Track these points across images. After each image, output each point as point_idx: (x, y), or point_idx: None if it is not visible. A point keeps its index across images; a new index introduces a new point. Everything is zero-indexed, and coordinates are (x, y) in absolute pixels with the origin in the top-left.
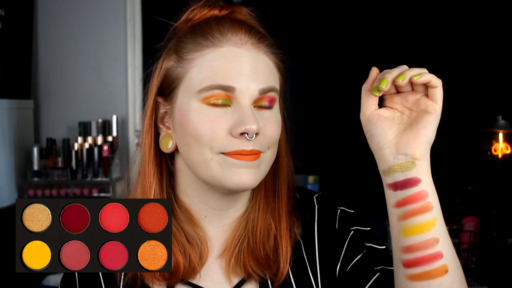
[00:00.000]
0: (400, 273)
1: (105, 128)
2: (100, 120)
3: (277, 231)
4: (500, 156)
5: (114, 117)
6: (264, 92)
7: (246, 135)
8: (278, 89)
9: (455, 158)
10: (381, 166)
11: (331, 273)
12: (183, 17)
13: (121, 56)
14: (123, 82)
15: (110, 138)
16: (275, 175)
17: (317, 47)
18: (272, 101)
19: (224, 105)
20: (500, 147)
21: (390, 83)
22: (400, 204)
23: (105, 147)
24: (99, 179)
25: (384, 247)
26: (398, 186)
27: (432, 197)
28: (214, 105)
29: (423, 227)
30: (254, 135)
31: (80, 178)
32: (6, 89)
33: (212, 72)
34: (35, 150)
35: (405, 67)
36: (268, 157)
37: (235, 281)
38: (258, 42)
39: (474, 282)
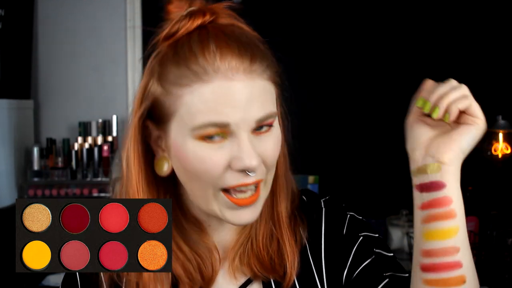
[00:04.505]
0: (417, 276)
1: (105, 128)
2: (100, 120)
3: (278, 232)
4: (500, 156)
5: (114, 117)
6: (261, 121)
7: (247, 171)
8: (275, 108)
9: None
10: (411, 167)
11: (338, 278)
12: (165, 32)
13: (121, 56)
14: (123, 82)
15: (110, 138)
16: (273, 179)
17: (318, 48)
18: (270, 124)
19: (219, 139)
20: (500, 147)
21: (441, 114)
22: (425, 206)
23: (105, 147)
24: (99, 179)
25: (392, 254)
26: (424, 188)
27: (456, 205)
28: (210, 141)
29: (444, 233)
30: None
31: (80, 178)
32: (6, 89)
33: (204, 108)
34: (35, 150)
35: (451, 94)
36: (267, 181)
37: (242, 280)
38: (251, 64)
39: None
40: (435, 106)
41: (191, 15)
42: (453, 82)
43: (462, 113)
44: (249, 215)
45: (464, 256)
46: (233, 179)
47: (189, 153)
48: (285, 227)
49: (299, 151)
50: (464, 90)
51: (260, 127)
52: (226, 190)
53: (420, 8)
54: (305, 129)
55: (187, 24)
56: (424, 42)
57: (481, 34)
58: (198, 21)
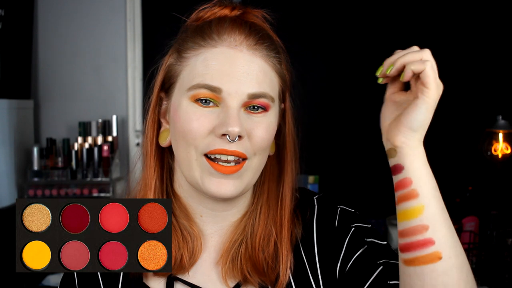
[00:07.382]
0: (400, 258)
1: (105, 128)
2: (100, 120)
3: (278, 238)
4: (500, 156)
5: (114, 117)
6: (254, 97)
7: (227, 137)
8: (274, 95)
9: (455, 158)
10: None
11: (332, 272)
12: (193, 15)
13: (121, 56)
14: (123, 82)
15: (110, 138)
16: (280, 181)
17: (317, 48)
18: (265, 106)
19: (212, 105)
20: (500, 147)
21: (393, 71)
22: (395, 189)
23: (105, 147)
24: (99, 179)
25: (386, 242)
26: (391, 171)
27: (417, 185)
28: (202, 104)
29: (409, 213)
30: (237, 137)
31: (80, 178)
32: (6, 89)
33: (203, 71)
34: (35, 150)
35: (402, 52)
36: (253, 165)
37: (232, 284)
38: (255, 44)
39: None
40: (390, 65)
41: (220, 5)
42: (414, 47)
43: (417, 79)
44: (230, 186)
45: (435, 233)
46: (214, 144)
47: (181, 112)
48: (286, 231)
49: (299, 151)
50: (423, 54)
51: (253, 106)
52: (209, 158)
53: (421, 8)
54: (305, 129)
55: (215, 10)
56: (424, 43)
57: (481, 34)
58: (225, 11)
